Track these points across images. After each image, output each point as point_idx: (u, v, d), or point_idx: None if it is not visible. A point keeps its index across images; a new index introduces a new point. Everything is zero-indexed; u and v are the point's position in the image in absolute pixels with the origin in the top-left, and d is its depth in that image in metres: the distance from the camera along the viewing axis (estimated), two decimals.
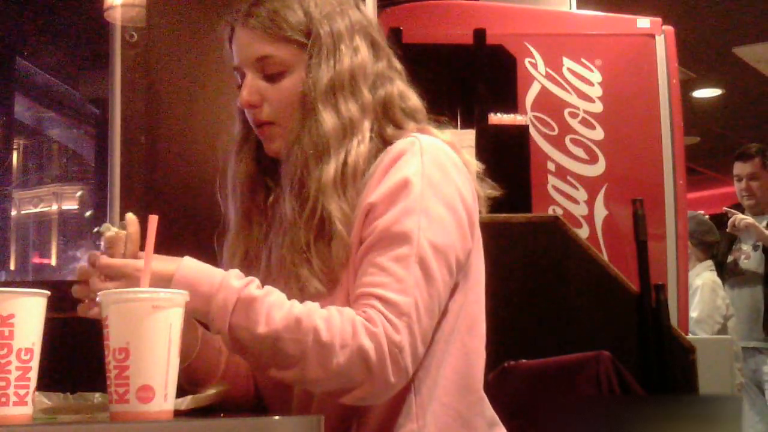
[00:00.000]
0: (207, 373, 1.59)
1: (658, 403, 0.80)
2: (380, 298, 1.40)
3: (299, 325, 1.37)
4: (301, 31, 1.56)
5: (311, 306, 1.41)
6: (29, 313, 1.12)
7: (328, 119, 1.52)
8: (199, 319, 1.43)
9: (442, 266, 1.46)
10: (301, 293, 1.47)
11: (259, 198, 1.65)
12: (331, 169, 1.50)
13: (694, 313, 4.74)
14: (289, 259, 1.51)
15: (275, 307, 1.38)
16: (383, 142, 1.57)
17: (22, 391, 1.10)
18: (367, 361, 1.37)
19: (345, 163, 1.51)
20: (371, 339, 1.37)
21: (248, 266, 1.63)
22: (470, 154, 1.68)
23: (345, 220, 1.49)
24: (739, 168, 5.21)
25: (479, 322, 1.59)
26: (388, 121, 1.59)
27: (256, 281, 1.43)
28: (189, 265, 1.42)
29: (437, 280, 1.45)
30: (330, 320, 1.38)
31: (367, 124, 1.56)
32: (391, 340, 1.38)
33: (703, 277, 4.95)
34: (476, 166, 1.62)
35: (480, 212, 1.59)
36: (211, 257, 1.68)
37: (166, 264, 1.41)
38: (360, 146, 1.53)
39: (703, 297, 4.81)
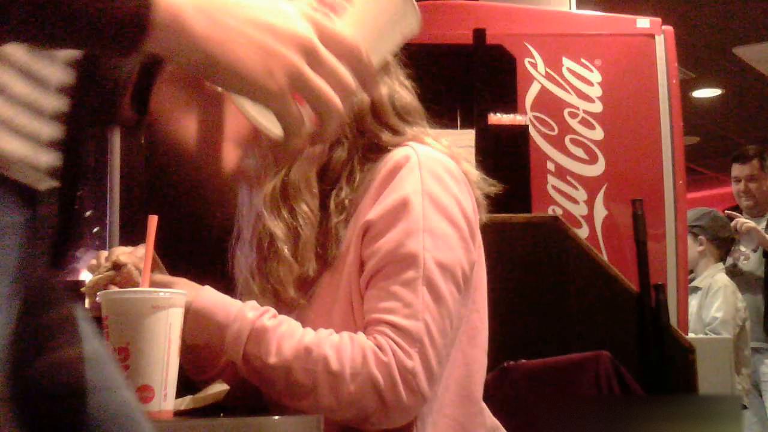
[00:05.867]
0: (210, 357, 1.60)
1: (658, 403, 0.80)
2: (390, 325, 1.40)
3: (309, 355, 1.37)
4: None
5: (323, 334, 1.40)
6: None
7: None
8: (213, 350, 1.43)
9: (450, 284, 1.45)
10: (294, 306, 1.48)
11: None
12: (269, 187, 1.50)
13: (718, 314, 4.73)
14: (251, 278, 1.52)
15: (286, 337, 1.38)
16: (378, 149, 1.54)
17: None
18: (377, 389, 1.36)
19: (285, 179, 1.50)
20: (381, 368, 1.37)
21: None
22: (469, 154, 1.67)
23: (287, 239, 1.48)
24: (738, 170, 5.21)
25: (481, 331, 1.58)
26: (381, 127, 1.55)
27: (271, 311, 1.43)
28: (207, 295, 1.43)
29: (446, 299, 1.43)
30: (340, 349, 1.38)
31: (347, 130, 1.53)
32: (403, 366, 1.37)
33: (722, 278, 4.92)
34: (476, 174, 1.60)
35: (480, 220, 1.58)
36: (210, 258, 1.68)
37: (185, 290, 1.42)
38: (301, 162, 1.51)
39: (726, 298, 4.79)
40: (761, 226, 4.97)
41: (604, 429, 0.80)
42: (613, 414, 0.81)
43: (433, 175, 1.48)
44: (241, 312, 1.40)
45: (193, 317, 1.36)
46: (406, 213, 1.45)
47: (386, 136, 1.54)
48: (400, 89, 1.60)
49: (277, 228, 1.48)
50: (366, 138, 1.54)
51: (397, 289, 1.42)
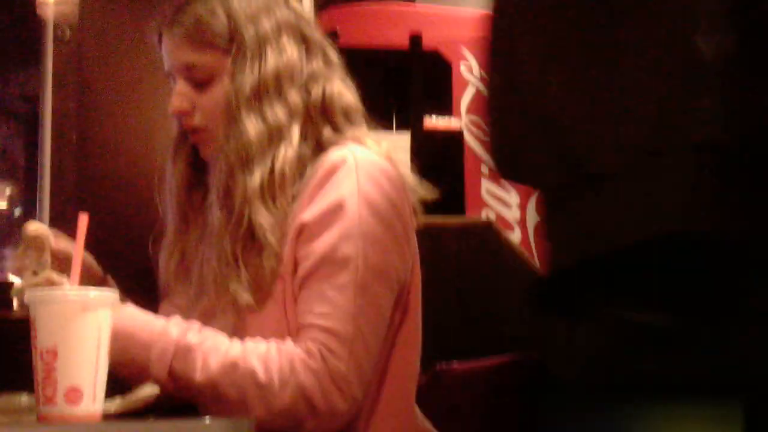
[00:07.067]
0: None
1: (658, 403, 0.80)
2: (323, 329, 1.39)
3: (236, 369, 1.36)
4: (225, 36, 1.53)
5: (249, 346, 1.40)
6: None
7: (251, 126, 1.49)
8: (138, 370, 1.40)
9: (384, 288, 1.45)
10: (232, 307, 1.46)
11: (195, 201, 1.62)
12: (256, 177, 1.46)
13: None
14: (217, 271, 1.48)
15: (211, 353, 1.37)
16: (319, 145, 1.54)
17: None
18: (308, 397, 1.36)
19: (272, 170, 1.47)
20: (310, 375, 1.37)
21: (184, 273, 1.62)
22: (405, 157, 1.67)
23: (274, 230, 1.46)
24: None
25: (414, 335, 1.58)
26: (325, 122, 1.55)
27: (196, 327, 1.41)
28: (129, 314, 1.41)
29: (380, 303, 1.44)
30: (268, 360, 1.37)
31: (296, 128, 1.51)
32: (334, 371, 1.37)
33: None
34: (412, 179, 1.60)
35: (416, 224, 1.58)
36: (142, 256, 1.66)
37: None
38: (287, 151, 1.49)
39: None
40: None
41: (604, 428, 0.81)
42: (612, 413, 0.82)
43: (370, 177, 1.48)
44: (164, 330, 1.39)
45: (115, 337, 1.33)
46: (342, 215, 1.44)
47: (327, 133, 1.54)
48: (343, 88, 1.60)
49: (264, 219, 1.46)
50: (309, 132, 1.54)
51: (330, 293, 1.41)
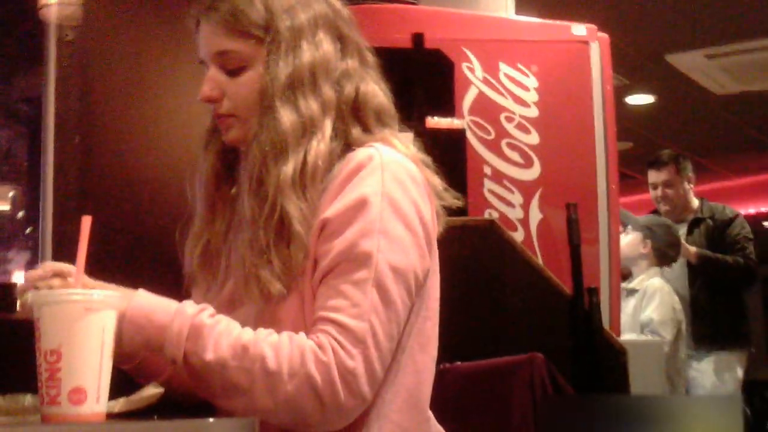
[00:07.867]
0: (155, 372, 1.58)
1: (658, 403, 0.81)
2: (335, 323, 1.40)
3: (246, 353, 1.37)
4: (261, 26, 1.54)
5: (261, 333, 1.40)
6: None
7: (285, 117, 1.50)
8: (153, 350, 1.41)
9: (401, 288, 1.45)
10: (261, 295, 1.46)
11: (224, 191, 1.64)
12: (289, 168, 1.47)
13: (654, 315, 4.79)
14: (249, 259, 1.48)
15: (224, 335, 1.38)
16: (347, 143, 1.54)
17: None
18: (315, 389, 1.36)
19: (304, 162, 1.48)
20: (319, 367, 1.37)
21: (208, 260, 1.63)
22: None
23: (304, 220, 1.46)
24: (654, 176, 5.29)
25: (432, 339, 1.58)
26: (355, 121, 1.56)
27: (210, 309, 1.42)
28: (143, 297, 1.41)
29: (396, 303, 1.44)
30: (279, 348, 1.37)
31: (328, 123, 1.52)
32: (343, 367, 1.37)
33: (657, 280, 4.99)
34: (439, 183, 1.61)
35: (438, 231, 1.59)
36: (145, 258, 1.67)
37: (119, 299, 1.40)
38: (320, 145, 1.50)
39: (662, 299, 4.86)
40: (681, 232, 5.06)
41: (602, 429, 0.81)
42: (611, 413, 0.82)
43: (395, 178, 1.48)
44: (180, 310, 1.40)
45: (131, 320, 1.35)
46: (364, 213, 1.45)
47: (356, 132, 1.55)
48: (377, 89, 1.61)
49: (295, 209, 1.46)
50: (339, 130, 1.54)
51: (346, 288, 1.42)
